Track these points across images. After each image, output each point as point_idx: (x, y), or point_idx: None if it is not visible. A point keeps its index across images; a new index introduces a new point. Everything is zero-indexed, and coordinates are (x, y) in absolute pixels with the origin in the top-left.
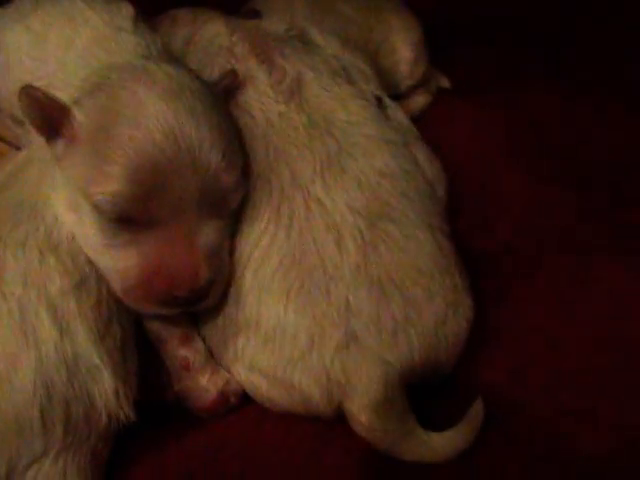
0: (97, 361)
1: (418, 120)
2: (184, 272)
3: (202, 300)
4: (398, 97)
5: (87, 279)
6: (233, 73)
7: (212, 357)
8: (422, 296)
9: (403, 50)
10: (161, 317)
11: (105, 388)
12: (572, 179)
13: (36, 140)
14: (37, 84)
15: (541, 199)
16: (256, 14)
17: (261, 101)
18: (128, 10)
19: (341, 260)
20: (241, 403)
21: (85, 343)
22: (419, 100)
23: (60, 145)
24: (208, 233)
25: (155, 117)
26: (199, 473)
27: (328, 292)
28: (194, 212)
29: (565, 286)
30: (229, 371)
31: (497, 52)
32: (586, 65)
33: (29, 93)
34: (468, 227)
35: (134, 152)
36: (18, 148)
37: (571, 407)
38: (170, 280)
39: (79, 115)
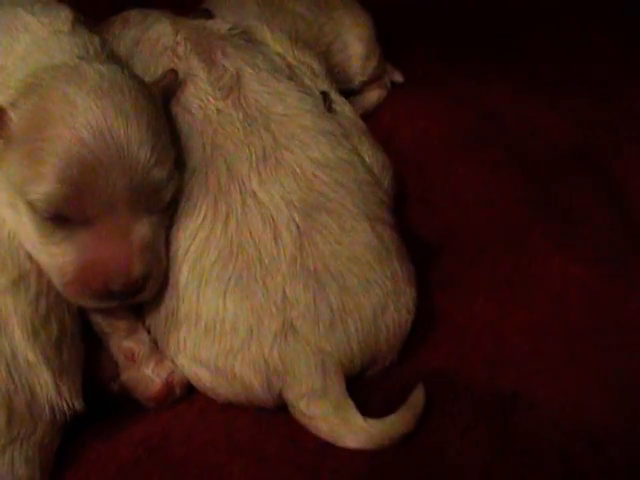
0: (32, 357)
1: (371, 115)
2: (118, 267)
3: (138, 293)
4: (352, 93)
5: (26, 275)
6: (172, 72)
7: (157, 348)
8: (359, 286)
9: (354, 46)
10: (104, 310)
11: (45, 381)
12: (517, 169)
13: None
14: None
15: (487, 189)
16: (207, 13)
17: (200, 98)
18: (67, 14)
19: (277, 252)
20: (186, 393)
21: (21, 340)
22: (372, 95)
23: None
24: (141, 228)
25: (83, 116)
26: (144, 461)
27: (265, 284)
28: (126, 208)
29: (507, 273)
30: (173, 362)
31: (449, 47)
32: (537, 59)
33: None
34: (414, 216)
35: (63, 152)
36: None
37: (509, 389)
38: (105, 275)
39: (14, 116)
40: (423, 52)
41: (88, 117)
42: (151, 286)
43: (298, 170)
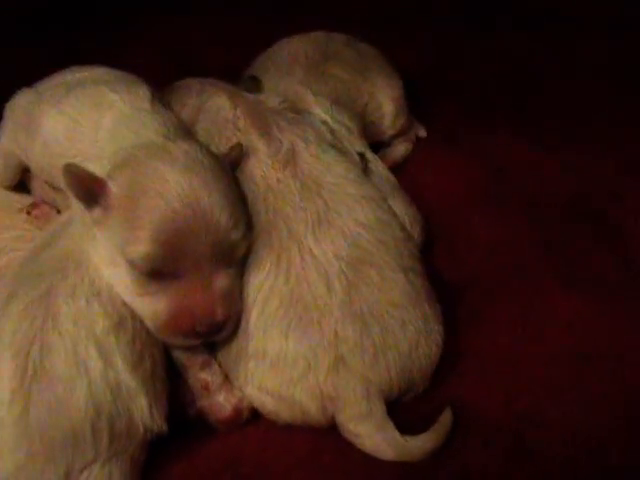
0: (133, 385)
1: (400, 167)
2: (204, 312)
3: (219, 333)
4: (382, 145)
5: (124, 320)
6: (239, 146)
7: (227, 379)
8: (397, 326)
9: (387, 105)
10: (185, 347)
11: (142, 406)
12: (527, 218)
13: (74, 204)
14: (73, 160)
15: (502, 236)
16: (255, 80)
17: (262, 169)
18: (145, 92)
19: (330, 298)
20: (252, 417)
21: (123, 371)
22: (400, 148)
23: (97, 211)
24: (221, 279)
25: (174, 189)
26: (221, 473)
27: (320, 325)
28: (209, 264)
29: (522, 309)
30: (241, 391)
31: (469, 105)
32: (546, 117)
33: (71, 170)
34: (441, 261)
35: (158, 219)
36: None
37: (524, 412)
38: (193, 319)
39: (113, 187)
40: (445, 110)
41: (178, 190)
42: (229, 327)
43: (346, 230)
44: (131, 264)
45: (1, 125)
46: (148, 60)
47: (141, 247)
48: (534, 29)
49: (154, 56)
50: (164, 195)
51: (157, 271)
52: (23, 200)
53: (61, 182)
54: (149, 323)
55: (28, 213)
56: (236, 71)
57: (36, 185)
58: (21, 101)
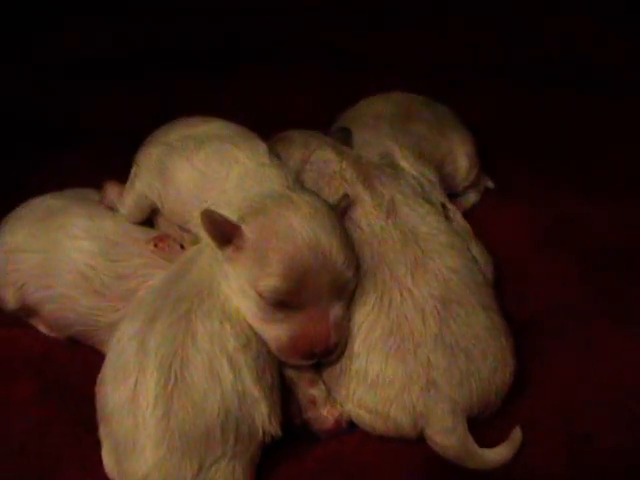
0: (257, 395)
1: (469, 215)
2: (320, 338)
3: (331, 355)
4: (454, 195)
5: (250, 340)
6: (347, 197)
7: (330, 395)
8: (479, 355)
9: (462, 159)
10: (296, 367)
11: (262, 413)
12: (584, 264)
13: (204, 242)
14: (204, 204)
15: (561, 279)
16: (347, 132)
17: (367, 218)
18: (262, 147)
19: (425, 331)
20: (350, 428)
21: (250, 383)
22: (471, 197)
23: (230, 250)
24: (335, 311)
25: (300, 235)
26: (325, 472)
27: (415, 353)
28: (326, 298)
29: (578, 346)
30: (342, 406)
31: (530, 159)
32: (601, 170)
33: (209, 215)
34: (507, 301)
35: (288, 259)
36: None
37: (580, 431)
38: (310, 344)
39: (246, 231)
40: (509, 164)
41: (303, 235)
42: (339, 350)
43: (438, 274)
44: (260, 295)
45: (135, 171)
46: (236, 108)
47: (271, 281)
48: (597, 89)
49: (241, 104)
50: (292, 239)
51: (282, 302)
52: (147, 232)
53: (192, 224)
54: (273, 346)
55: (155, 245)
56: (319, 121)
57: (162, 222)
58: (155, 152)
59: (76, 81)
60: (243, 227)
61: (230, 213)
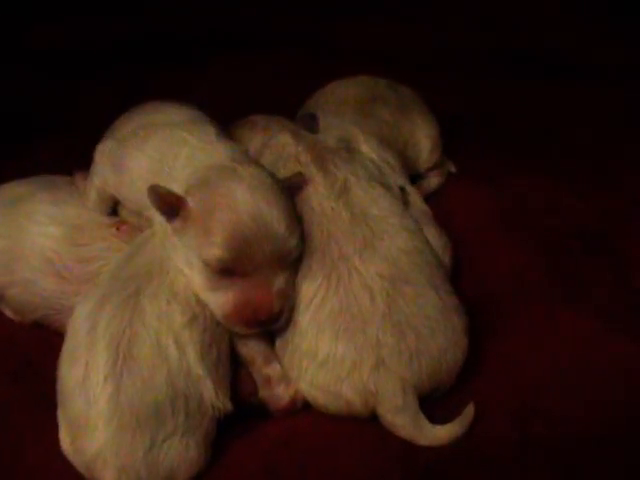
0: (201, 372)
1: (431, 198)
2: (263, 305)
3: (275, 323)
4: (417, 177)
5: (197, 317)
6: (299, 174)
7: (286, 374)
8: (429, 334)
9: (424, 142)
10: (251, 343)
11: (209, 389)
12: (543, 246)
13: (156, 220)
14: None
15: (519, 261)
16: (313, 118)
17: (318, 198)
18: (212, 129)
19: (373, 309)
20: (304, 407)
21: (194, 360)
22: (434, 180)
23: (177, 223)
24: (279, 279)
25: (243, 206)
26: (277, 450)
27: (364, 331)
28: (269, 266)
29: (532, 324)
30: (294, 384)
31: (493, 144)
32: (566, 155)
33: (156, 190)
34: (465, 281)
35: (230, 229)
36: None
37: (531, 406)
38: (254, 309)
39: (191, 203)
40: (473, 149)
41: (245, 205)
42: (284, 318)
43: (387, 254)
44: (205, 264)
45: (92, 168)
46: (210, 95)
47: (214, 250)
48: (561, 74)
49: (215, 91)
50: (234, 209)
51: (226, 270)
52: (111, 218)
53: (145, 205)
54: (218, 313)
55: (117, 229)
56: (289, 106)
57: (123, 210)
58: (107, 148)
59: (48, 72)
60: (188, 199)
61: (177, 188)
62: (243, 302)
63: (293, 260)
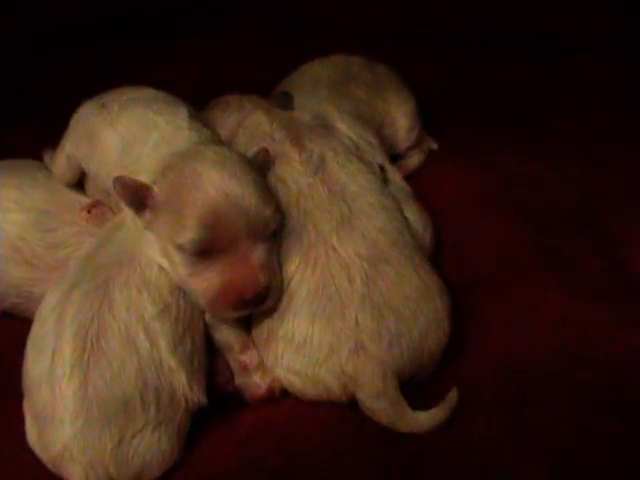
0: (173, 364)
1: (413, 176)
2: (247, 280)
3: (264, 302)
4: (397, 156)
5: (169, 306)
6: (265, 150)
7: (262, 362)
8: (410, 316)
9: (401, 121)
10: (227, 330)
11: (181, 381)
12: (529, 225)
13: (125, 211)
14: (124, 171)
15: (504, 240)
16: (287, 96)
17: (294, 174)
18: (184, 112)
19: (351, 291)
20: (282, 394)
21: (165, 352)
22: (414, 159)
23: (147, 214)
24: (259, 252)
25: (210, 183)
26: (254, 438)
27: (343, 314)
28: (246, 240)
29: (518, 305)
30: (271, 371)
31: (477, 121)
32: (552, 134)
33: (121, 181)
34: (449, 262)
35: (200, 209)
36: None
37: (519, 392)
38: (239, 289)
39: (158, 190)
40: (455, 125)
41: (213, 183)
42: (273, 294)
43: (366, 234)
44: (180, 250)
45: (66, 132)
46: (179, 76)
47: (188, 234)
48: (545, 51)
49: (185, 72)
50: (201, 188)
51: (202, 252)
52: (82, 200)
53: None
54: (202, 300)
55: (89, 212)
56: (263, 88)
57: (91, 186)
58: (84, 115)
59: (15, 54)
60: (155, 188)
61: (145, 178)
62: (226, 282)
63: (270, 232)
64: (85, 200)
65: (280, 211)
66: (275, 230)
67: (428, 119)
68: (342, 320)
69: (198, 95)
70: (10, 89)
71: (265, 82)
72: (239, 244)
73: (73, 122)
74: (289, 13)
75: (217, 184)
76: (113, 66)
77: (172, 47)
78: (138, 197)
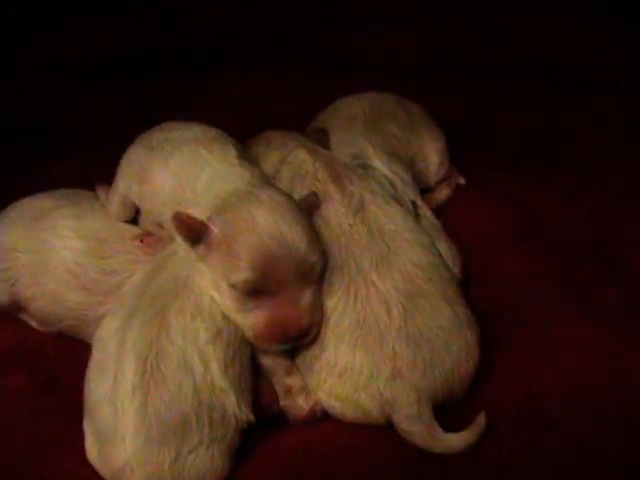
0: (224, 385)
1: (441, 210)
2: (293, 321)
3: (305, 337)
4: (427, 190)
5: (221, 332)
6: (314, 194)
7: (306, 385)
8: (443, 346)
9: (432, 156)
10: (273, 355)
11: (232, 401)
12: (550, 257)
13: (178, 242)
14: (177, 206)
15: (527, 272)
16: (324, 133)
17: (337, 215)
18: (232, 150)
19: (389, 323)
20: (323, 416)
21: (217, 374)
22: (443, 193)
23: (201, 248)
24: (305, 295)
25: (264, 227)
26: (296, 456)
27: (381, 344)
28: (295, 283)
29: (541, 333)
30: (314, 394)
31: (501, 157)
32: (569, 169)
33: (179, 217)
34: (475, 292)
35: (254, 251)
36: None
37: (545, 417)
38: (284, 328)
39: (214, 228)
40: (481, 160)
41: (266, 227)
42: (313, 332)
43: (403, 269)
44: (233, 287)
45: (118, 172)
46: (215, 110)
47: (241, 274)
48: (564, 86)
49: (219, 105)
50: (255, 232)
51: (254, 291)
52: (133, 230)
53: (166, 219)
54: (249, 333)
55: (141, 241)
56: (296, 122)
57: (144, 219)
58: (135, 155)
59: (61, 84)
60: (211, 225)
61: (199, 213)
62: (273, 321)
63: (317, 275)
64: (137, 230)
65: (325, 254)
66: (320, 274)
67: (453, 155)
68: (381, 349)
69: (235, 129)
70: (57, 117)
71: (299, 116)
72: (287, 286)
73: (124, 163)
74: (324, 51)
75: (271, 230)
76: (161, 98)
77: (204, 81)
78: (195, 233)
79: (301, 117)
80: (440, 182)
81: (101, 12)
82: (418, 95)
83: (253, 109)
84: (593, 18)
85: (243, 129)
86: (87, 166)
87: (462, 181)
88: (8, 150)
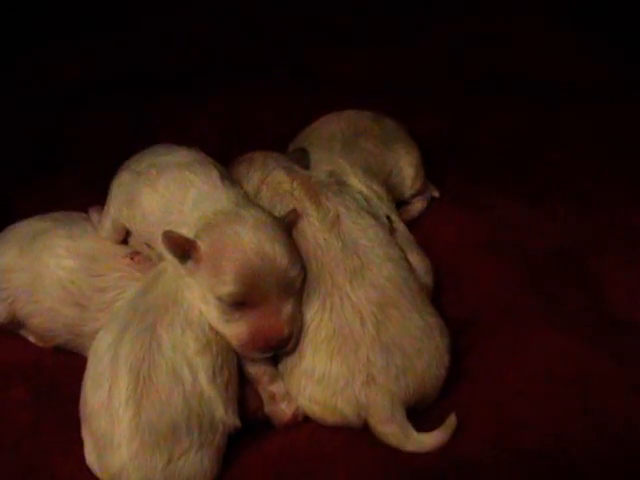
0: (212, 394)
1: (416, 222)
2: (274, 332)
3: (285, 346)
4: (403, 203)
5: (209, 343)
6: (294, 211)
7: (289, 392)
8: (415, 353)
9: (407, 169)
10: (258, 364)
11: (219, 408)
12: (520, 266)
13: (168, 258)
14: (167, 227)
15: (498, 281)
16: (304, 152)
17: (313, 230)
18: (215, 172)
19: (363, 332)
20: (304, 420)
21: (206, 383)
22: (417, 205)
23: (190, 264)
24: (286, 307)
25: (248, 244)
26: (280, 458)
27: (356, 352)
28: (275, 295)
29: (512, 341)
30: (295, 400)
31: (474, 170)
32: (540, 179)
33: (169, 236)
34: (448, 300)
35: (239, 266)
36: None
37: (511, 417)
38: (267, 337)
39: (202, 245)
40: (454, 173)
41: (250, 244)
42: (293, 341)
43: (375, 282)
44: (219, 299)
45: (108, 198)
46: (200, 126)
47: (226, 287)
48: (533, 101)
49: (204, 122)
50: (240, 249)
51: (238, 303)
52: (124, 249)
53: (158, 243)
54: (234, 343)
55: (132, 259)
56: (280, 140)
57: (134, 240)
58: (124, 180)
59: (59, 106)
60: (199, 242)
61: (187, 232)
62: (256, 331)
63: (297, 288)
64: (127, 249)
65: (305, 269)
66: (300, 287)
67: (428, 168)
68: (355, 357)
69: (223, 144)
70: (51, 138)
71: (282, 132)
72: (269, 299)
73: (114, 188)
74: (306, 69)
75: (254, 246)
76: (151, 119)
77: (204, 101)
78: (184, 250)
79: (284, 133)
80: (415, 195)
81: (88, 34)
82: (395, 111)
83: (238, 125)
84: (563, 35)
85: (227, 145)
86: (79, 184)
87: (436, 194)
88: (8, 174)
